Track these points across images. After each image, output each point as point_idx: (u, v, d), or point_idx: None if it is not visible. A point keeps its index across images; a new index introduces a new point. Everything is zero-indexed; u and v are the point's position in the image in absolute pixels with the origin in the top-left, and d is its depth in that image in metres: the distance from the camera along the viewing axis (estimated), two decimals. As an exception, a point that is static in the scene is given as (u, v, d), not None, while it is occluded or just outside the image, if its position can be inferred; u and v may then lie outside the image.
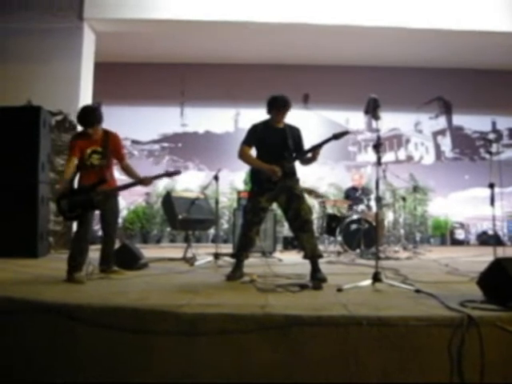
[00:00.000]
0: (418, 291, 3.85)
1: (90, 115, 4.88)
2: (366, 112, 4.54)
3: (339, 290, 3.96)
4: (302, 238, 4.69)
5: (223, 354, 2.98)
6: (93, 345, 3.10)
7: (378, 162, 4.21)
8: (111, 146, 5.01)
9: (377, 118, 4.41)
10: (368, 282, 4.13)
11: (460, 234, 12.45)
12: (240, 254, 4.91)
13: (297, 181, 4.83)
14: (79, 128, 5.22)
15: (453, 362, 2.89)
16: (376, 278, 4.12)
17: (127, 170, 5.19)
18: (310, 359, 2.95)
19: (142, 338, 3.05)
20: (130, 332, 3.07)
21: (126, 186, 5.06)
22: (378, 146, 4.25)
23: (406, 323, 2.95)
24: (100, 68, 10.11)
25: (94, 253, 5.13)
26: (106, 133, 5.05)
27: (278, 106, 4.76)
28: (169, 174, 5.24)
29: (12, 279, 4.66)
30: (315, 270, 4.60)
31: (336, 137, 4.49)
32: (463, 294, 3.72)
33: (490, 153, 6.30)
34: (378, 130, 4.32)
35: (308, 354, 2.95)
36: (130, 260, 5.53)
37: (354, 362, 2.93)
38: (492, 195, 5.50)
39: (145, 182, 4.99)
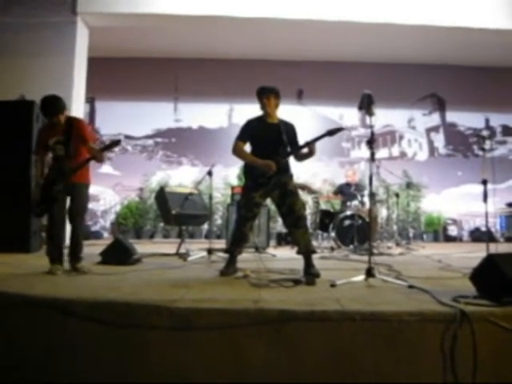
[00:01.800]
0: (411, 287, 3.86)
1: (53, 104, 4.77)
2: (360, 108, 4.54)
3: (332, 285, 3.96)
4: (295, 234, 4.70)
5: (217, 349, 2.97)
6: (85, 339, 3.09)
7: (372, 158, 4.21)
8: (74, 134, 4.77)
9: (371, 114, 4.41)
10: (361, 277, 4.14)
11: (453, 231, 12.52)
12: (233, 249, 4.90)
13: (290, 176, 4.82)
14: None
15: (445, 357, 2.89)
16: (369, 273, 4.13)
17: (91, 153, 4.80)
18: (303, 354, 2.95)
19: (135, 332, 3.04)
20: (123, 327, 3.05)
21: (79, 167, 4.75)
22: (371, 142, 4.26)
23: (399, 318, 2.95)
24: (93, 63, 10.07)
25: (88, 248, 5.11)
26: (69, 120, 4.86)
27: (265, 93, 4.77)
28: (110, 145, 4.80)
29: (4, 274, 4.63)
30: (309, 265, 4.60)
31: (330, 133, 4.48)
32: (456, 289, 3.71)
33: (484, 149, 6.32)
34: (371, 126, 4.31)
35: (301, 349, 2.95)
36: (123, 255, 5.51)
37: (347, 356, 2.93)
38: (485, 192, 5.52)
39: (97, 157, 4.70)
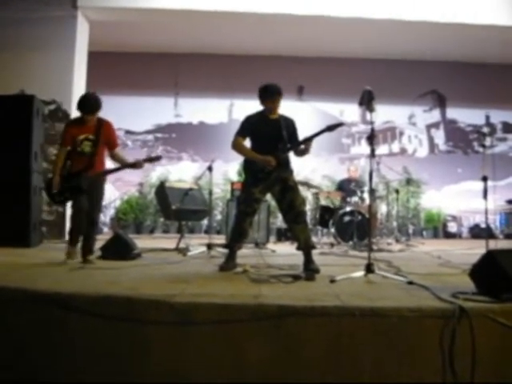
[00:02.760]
0: (410, 283, 3.86)
1: (93, 102, 5.05)
2: (361, 104, 4.53)
3: (332, 280, 3.96)
4: (295, 229, 4.70)
5: (216, 345, 2.98)
6: (85, 334, 3.09)
7: (372, 154, 4.21)
8: (104, 134, 5.14)
9: (371, 110, 4.40)
10: (361, 273, 4.15)
11: (452, 227, 12.52)
12: (233, 244, 4.90)
13: (291, 172, 4.82)
14: (73, 116, 5.29)
15: (444, 353, 2.89)
16: (369, 269, 4.13)
17: (115, 158, 5.34)
18: (302, 349, 2.96)
19: (135, 327, 3.04)
20: (123, 321, 3.06)
21: (112, 170, 5.32)
22: (371, 138, 4.25)
23: (399, 314, 2.96)
24: (94, 57, 10.06)
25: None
26: (100, 121, 5.17)
27: (269, 94, 4.73)
28: (153, 158, 5.37)
29: (4, 268, 4.63)
30: (308, 261, 4.61)
31: (330, 128, 4.48)
32: (455, 285, 3.71)
33: (484, 146, 6.30)
34: (372, 123, 4.31)
35: (301, 345, 2.96)
36: (123, 250, 5.51)
37: (346, 352, 2.94)
38: (485, 188, 5.51)
39: (136, 166, 5.21)
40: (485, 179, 5.56)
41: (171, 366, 2.97)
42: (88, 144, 5.06)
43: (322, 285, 3.92)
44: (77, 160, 5.09)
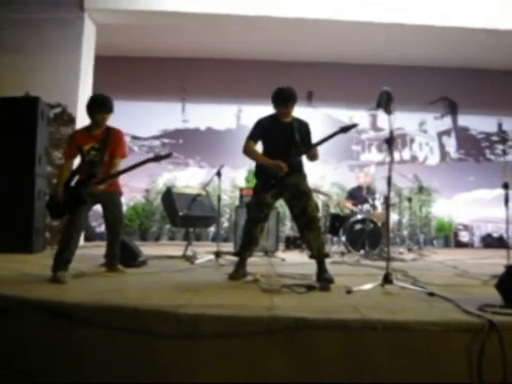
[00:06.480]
0: (431, 294, 3.66)
1: (106, 101, 4.77)
2: (379, 106, 4.34)
3: (348, 291, 3.76)
4: (308, 237, 4.50)
5: (226, 359, 2.79)
6: (90, 346, 2.91)
7: (391, 158, 4.03)
8: (111, 143, 4.75)
9: (389, 112, 4.21)
10: (377, 283, 3.95)
11: (464, 236, 12.28)
12: (243, 252, 4.71)
13: (304, 177, 4.63)
14: (78, 120, 5.04)
15: (472, 369, 2.72)
16: (387, 279, 3.93)
17: (111, 167, 4.76)
18: (320, 365, 2.76)
19: (142, 338, 2.86)
20: (129, 332, 2.88)
21: (111, 176, 4.72)
22: (390, 141, 4.07)
23: (423, 328, 2.77)
24: (100, 61, 9.92)
25: (92, 250, 4.95)
26: (109, 129, 4.83)
27: (284, 98, 4.54)
28: (161, 156, 4.76)
29: (5, 276, 4.45)
30: (322, 270, 4.40)
31: (344, 130, 4.30)
32: (478, 297, 3.53)
33: (505, 151, 6.11)
34: (391, 125, 4.11)
35: (318, 360, 2.77)
36: (128, 257, 5.33)
37: (367, 368, 2.75)
38: (506, 195, 5.31)
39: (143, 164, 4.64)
40: (506, 186, 5.36)
41: (179, 380, 2.78)
42: (95, 154, 4.67)
43: (337, 296, 3.74)
44: (83, 169, 4.65)
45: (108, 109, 4.77)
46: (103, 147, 4.69)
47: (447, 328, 2.77)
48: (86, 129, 4.86)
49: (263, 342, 2.79)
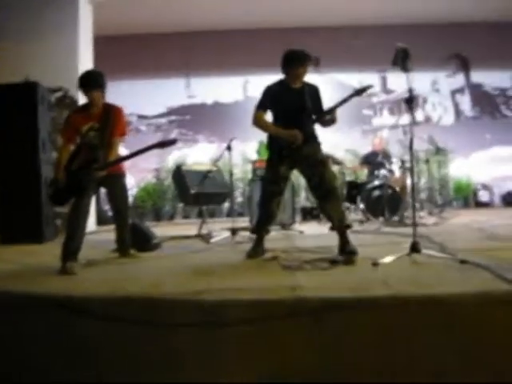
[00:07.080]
0: (463, 262, 3.43)
1: (95, 76, 4.44)
2: (394, 64, 4.05)
3: (374, 264, 3.53)
4: (327, 208, 4.25)
5: (251, 347, 2.59)
6: (102, 341, 2.72)
7: (412, 119, 3.76)
8: (112, 121, 4.40)
9: (407, 69, 3.93)
10: (404, 253, 3.71)
11: (483, 196, 11.95)
12: (261, 228, 4.49)
13: (318, 145, 4.37)
14: (80, 103, 4.74)
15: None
16: (414, 248, 3.70)
17: (110, 146, 4.40)
18: (349, 348, 2.56)
19: (158, 330, 2.66)
20: (145, 325, 2.68)
21: (118, 160, 4.46)
22: (410, 101, 3.80)
23: (461, 302, 2.54)
24: (101, 42, 9.62)
25: (105, 235, 4.74)
26: (108, 107, 4.47)
27: (299, 58, 4.27)
28: (165, 143, 4.27)
29: (13, 269, 4.26)
30: (344, 242, 4.14)
31: (358, 92, 4.06)
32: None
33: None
34: (409, 83, 3.84)
35: (347, 342, 2.56)
36: (140, 241, 5.06)
37: (400, 349, 2.53)
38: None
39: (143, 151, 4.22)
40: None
41: (201, 374, 2.59)
42: (94, 135, 4.35)
43: (364, 269, 3.52)
44: (84, 152, 4.36)
45: (95, 84, 4.36)
46: (104, 126, 4.36)
47: (488, 300, 2.54)
48: (83, 108, 4.55)
49: (288, 325, 2.59)
